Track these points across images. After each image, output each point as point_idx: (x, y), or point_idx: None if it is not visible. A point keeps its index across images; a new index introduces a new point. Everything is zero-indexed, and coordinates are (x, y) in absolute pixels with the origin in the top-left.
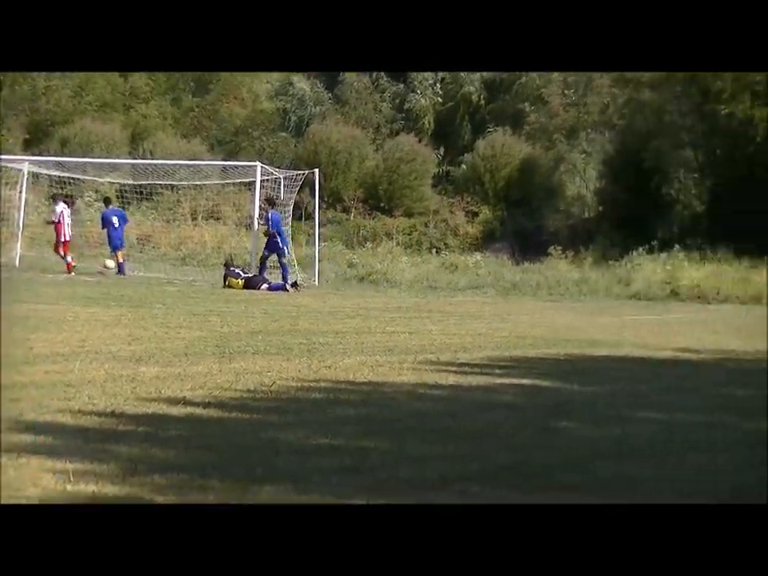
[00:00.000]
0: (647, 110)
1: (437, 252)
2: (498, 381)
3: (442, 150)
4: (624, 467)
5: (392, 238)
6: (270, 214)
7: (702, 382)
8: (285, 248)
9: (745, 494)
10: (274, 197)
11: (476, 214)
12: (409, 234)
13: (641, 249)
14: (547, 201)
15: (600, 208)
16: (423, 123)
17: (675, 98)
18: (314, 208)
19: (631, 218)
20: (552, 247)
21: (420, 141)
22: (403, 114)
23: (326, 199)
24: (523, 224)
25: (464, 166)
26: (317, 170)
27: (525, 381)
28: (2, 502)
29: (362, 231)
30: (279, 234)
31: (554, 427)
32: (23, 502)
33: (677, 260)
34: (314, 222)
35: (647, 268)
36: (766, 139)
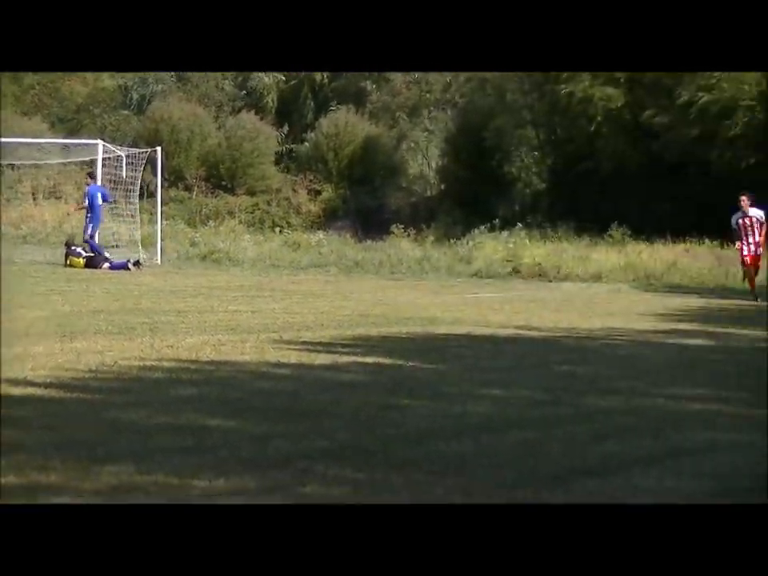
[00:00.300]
0: (489, 88)
1: (279, 230)
2: (341, 359)
3: (285, 129)
4: (464, 444)
5: (234, 217)
6: (87, 189)
7: (543, 360)
8: (90, 226)
9: (582, 470)
10: (95, 172)
11: (319, 193)
12: (251, 213)
13: (482, 227)
14: (389, 179)
15: (442, 186)
16: (267, 101)
17: (516, 76)
18: (156, 186)
19: (473, 196)
20: (394, 225)
21: (262, 119)
22: (245, 92)
23: (167, 177)
24: (366, 202)
25: (307, 144)
26: (159, 148)
27: (367, 359)
28: None
29: (204, 210)
30: (92, 210)
31: (396, 405)
32: None
33: (518, 238)
34: (156, 200)
35: (489, 246)
36: (605, 118)
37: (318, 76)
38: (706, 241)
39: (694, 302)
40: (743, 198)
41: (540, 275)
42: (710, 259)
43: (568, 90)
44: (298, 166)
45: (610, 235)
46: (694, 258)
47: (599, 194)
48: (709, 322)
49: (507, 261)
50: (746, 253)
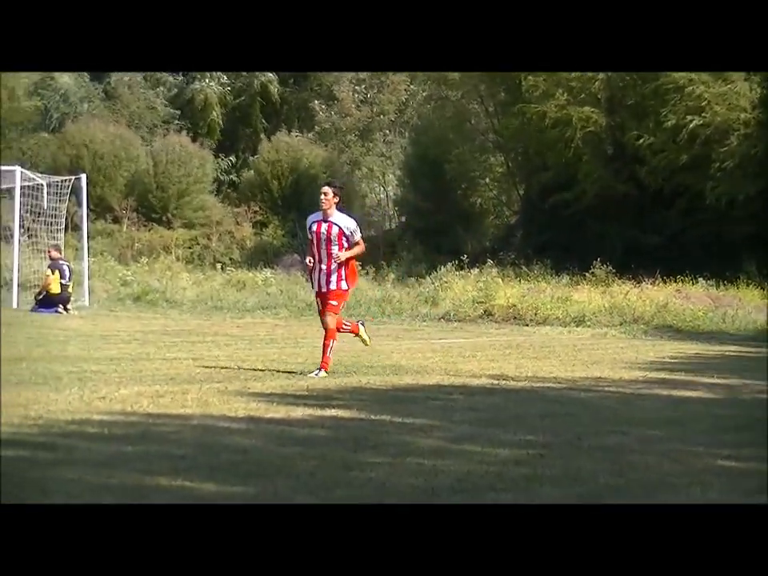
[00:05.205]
0: (449, 108)
1: (222, 268)
2: (295, 412)
3: (231, 156)
4: (450, 502)
5: (170, 252)
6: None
7: (521, 413)
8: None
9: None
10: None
11: (265, 225)
12: (189, 248)
13: (449, 265)
14: (343, 210)
15: (402, 219)
16: (211, 120)
17: (479, 95)
18: (82, 218)
19: (437, 230)
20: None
21: (195, 140)
22: (179, 111)
23: (93, 208)
24: None
25: (250, 172)
26: (83, 176)
27: (325, 412)
28: None
29: (135, 244)
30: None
31: (359, 463)
32: None
33: (489, 277)
34: (82, 234)
35: (457, 286)
36: (584, 142)
37: (272, 88)
38: (700, 280)
39: (689, 348)
40: (325, 189)
41: (515, 318)
42: (705, 301)
43: (540, 110)
44: (240, 196)
45: (593, 273)
46: (687, 299)
47: (579, 227)
48: (706, 371)
49: (478, 302)
50: (315, 287)
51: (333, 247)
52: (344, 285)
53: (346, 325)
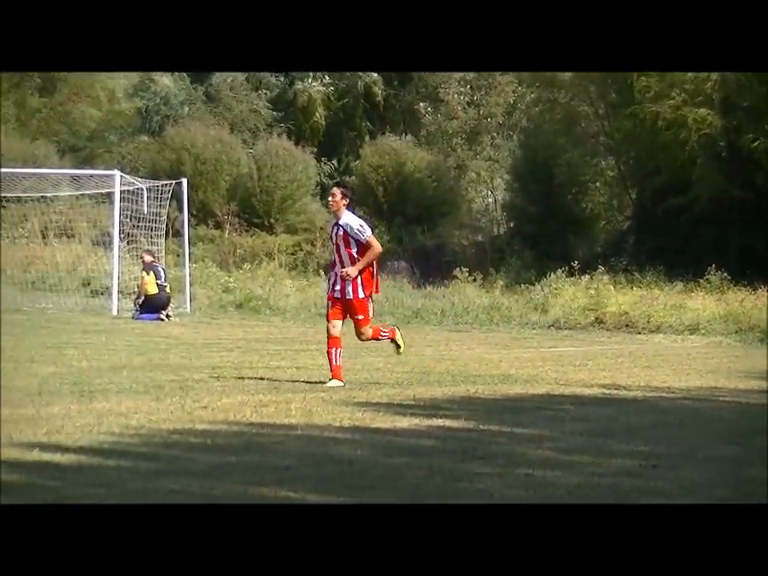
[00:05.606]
0: (558, 111)
1: (325, 274)
2: (401, 422)
3: (334, 160)
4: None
5: (273, 258)
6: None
7: (634, 423)
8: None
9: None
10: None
11: None
12: (293, 254)
13: (559, 271)
14: (450, 215)
15: (511, 224)
16: (311, 123)
17: (588, 97)
18: (183, 224)
19: (547, 235)
20: (458, 269)
21: (298, 144)
22: (283, 113)
23: (194, 213)
24: (424, 242)
25: (353, 177)
26: (185, 181)
27: (431, 422)
28: None
29: (238, 250)
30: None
31: (467, 474)
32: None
33: (601, 284)
34: (183, 239)
35: (567, 293)
36: (699, 145)
37: (376, 89)
38: None
39: None
40: (333, 190)
41: (627, 326)
42: None
43: (653, 111)
44: None
45: (708, 280)
46: None
47: (693, 232)
48: None
49: (589, 309)
50: (329, 290)
51: (342, 251)
52: (361, 293)
53: (384, 332)
